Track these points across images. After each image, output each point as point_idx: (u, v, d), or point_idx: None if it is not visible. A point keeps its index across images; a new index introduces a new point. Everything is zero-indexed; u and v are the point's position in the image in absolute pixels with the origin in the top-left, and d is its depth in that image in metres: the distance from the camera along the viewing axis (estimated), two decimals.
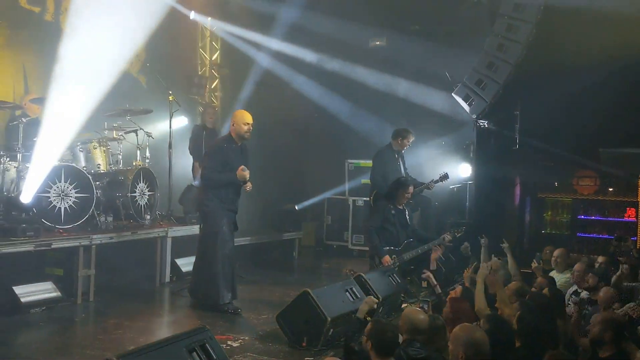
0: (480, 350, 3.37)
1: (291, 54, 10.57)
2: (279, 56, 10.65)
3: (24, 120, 6.66)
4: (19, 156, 6.54)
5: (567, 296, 5.56)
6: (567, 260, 6.50)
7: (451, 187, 9.50)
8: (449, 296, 5.03)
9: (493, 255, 6.50)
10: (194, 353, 3.32)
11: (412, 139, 8.00)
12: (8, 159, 6.59)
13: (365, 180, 9.50)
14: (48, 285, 6.16)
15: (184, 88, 10.68)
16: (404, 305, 6.16)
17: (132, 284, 7.33)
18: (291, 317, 5.14)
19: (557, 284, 5.82)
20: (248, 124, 6.27)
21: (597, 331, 3.81)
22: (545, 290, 5.03)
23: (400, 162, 8.04)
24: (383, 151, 8.05)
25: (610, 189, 8.42)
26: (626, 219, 8.24)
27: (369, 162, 8.72)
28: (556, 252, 6.54)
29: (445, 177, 8.08)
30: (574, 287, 5.72)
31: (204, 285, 6.26)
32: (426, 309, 5.42)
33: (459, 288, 5.13)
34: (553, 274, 6.34)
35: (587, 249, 8.50)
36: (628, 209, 8.23)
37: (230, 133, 6.39)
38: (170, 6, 10.17)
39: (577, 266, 5.81)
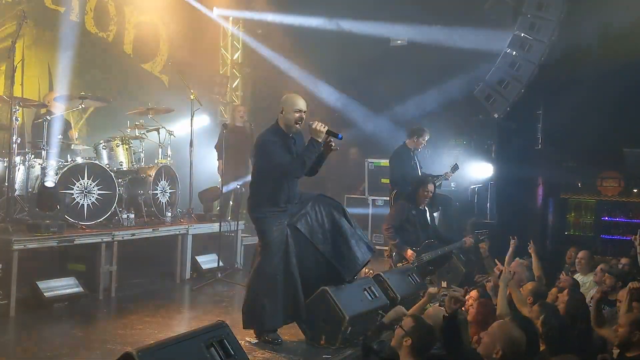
0: (517, 349, 3.35)
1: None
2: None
3: (48, 118, 6.77)
4: (44, 153, 6.64)
5: (587, 298, 5.47)
6: (590, 262, 6.39)
7: (472, 186, 9.43)
8: (466, 299, 4.94)
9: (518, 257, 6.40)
10: (212, 349, 3.34)
11: (427, 137, 8.00)
12: (33, 156, 6.70)
13: (385, 179, 9.45)
14: (71, 280, 6.24)
15: (205, 87, 10.76)
16: None
17: (153, 280, 7.41)
18: (310, 315, 5.13)
19: (581, 287, 5.73)
20: (300, 111, 5.00)
21: (625, 332, 3.76)
22: (566, 292, 4.95)
23: (417, 161, 8.01)
24: (400, 151, 8.01)
25: (635, 190, 8.26)
26: None
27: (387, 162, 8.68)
28: (580, 254, 6.43)
29: (455, 167, 8.44)
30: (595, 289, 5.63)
31: (249, 304, 5.13)
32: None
33: (473, 292, 4.97)
34: (577, 276, 6.24)
35: (611, 251, 8.35)
36: None
37: (277, 123, 5.10)
38: (192, 5, 10.30)
39: (599, 267, 5.73)
